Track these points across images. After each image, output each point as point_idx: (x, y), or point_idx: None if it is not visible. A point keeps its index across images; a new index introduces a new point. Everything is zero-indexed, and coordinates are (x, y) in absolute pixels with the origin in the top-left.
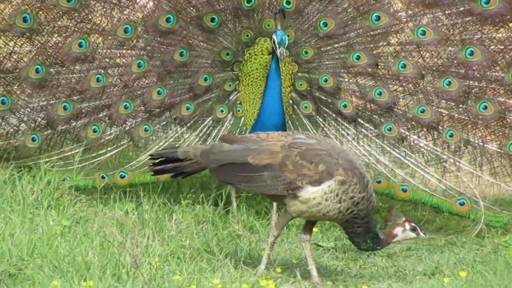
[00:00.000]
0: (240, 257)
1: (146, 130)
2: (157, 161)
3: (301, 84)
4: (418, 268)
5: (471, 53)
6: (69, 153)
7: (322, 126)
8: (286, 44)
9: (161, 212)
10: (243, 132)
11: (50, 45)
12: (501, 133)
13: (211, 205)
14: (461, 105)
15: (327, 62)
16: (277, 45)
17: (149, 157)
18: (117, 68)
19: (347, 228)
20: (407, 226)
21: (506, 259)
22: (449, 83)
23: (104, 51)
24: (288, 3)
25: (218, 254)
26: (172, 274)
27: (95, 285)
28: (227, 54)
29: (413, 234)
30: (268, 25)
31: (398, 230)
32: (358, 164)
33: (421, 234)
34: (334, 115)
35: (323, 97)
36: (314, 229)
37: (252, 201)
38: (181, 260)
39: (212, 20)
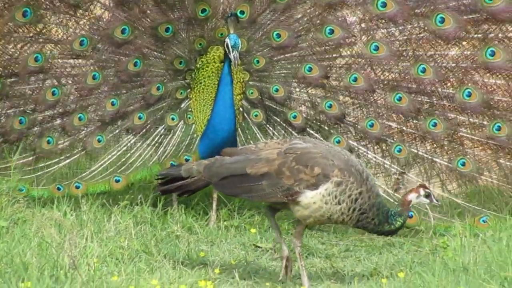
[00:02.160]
0: (178, 258)
1: (99, 141)
2: (163, 181)
3: (252, 93)
4: (357, 269)
5: (423, 70)
6: (20, 162)
7: (272, 135)
8: (240, 47)
9: (99, 213)
10: (193, 139)
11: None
12: (450, 149)
13: (150, 206)
14: (411, 120)
15: (278, 72)
16: (230, 49)
17: (155, 178)
18: (72, 78)
19: (366, 228)
20: (421, 192)
21: (444, 260)
22: (400, 99)
23: (60, 61)
24: (242, 12)
25: (156, 255)
26: (111, 275)
27: (33, 286)
28: (180, 63)
29: (426, 200)
30: (221, 34)
31: (412, 196)
32: (354, 162)
33: (434, 201)
34: (284, 125)
35: (273, 106)
36: (253, 230)
37: (191, 202)
38: (119, 261)
39: (167, 29)
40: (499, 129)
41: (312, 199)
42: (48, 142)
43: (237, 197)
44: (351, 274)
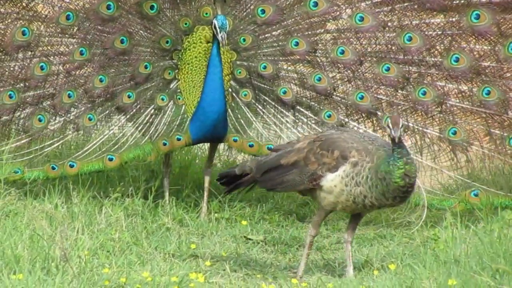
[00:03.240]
0: (169, 250)
1: (90, 119)
2: (223, 181)
3: (240, 72)
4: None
5: (410, 39)
6: (15, 145)
7: (262, 114)
8: (227, 28)
9: (90, 205)
10: (184, 119)
11: None
12: (440, 118)
13: (141, 198)
14: (400, 91)
15: (265, 50)
16: (218, 30)
17: (216, 179)
18: (59, 57)
19: (393, 199)
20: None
21: (435, 252)
22: (388, 69)
23: (47, 39)
24: None
25: (147, 247)
26: (102, 267)
27: (24, 278)
28: (167, 42)
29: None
30: (206, 13)
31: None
32: (375, 146)
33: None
34: (273, 103)
35: (262, 85)
36: (244, 222)
37: (181, 194)
38: (110, 253)
39: (152, 7)
40: (488, 93)
41: (332, 182)
42: (40, 120)
43: (275, 191)
44: (342, 266)
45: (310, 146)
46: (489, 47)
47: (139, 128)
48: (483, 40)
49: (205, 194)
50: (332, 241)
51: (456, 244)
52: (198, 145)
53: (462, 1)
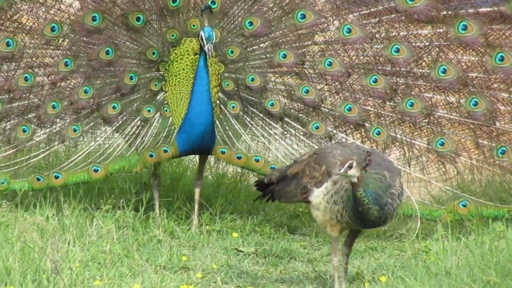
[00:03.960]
0: (160, 262)
1: (74, 131)
2: (258, 188)
3: (228, 84)
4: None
5: (397, 50)
6: (1, 155)
7: (250, 125)
8: (214, 40)
9: (81, 217)
10: (171, 131)
11: None
12: (428, 130)
13: (132, 210)
14: (388, 103)
15: (253, 62)
16: (205, 41)
17: (253, 184)
18: (44, 69)
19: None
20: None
21: (427, 264)
22: (376, 81)
23: (31, 51)
24: (213, 3)
25: (138, 259)
26: (93, 279)
27: None
28: (153, 54)
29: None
30: (193, 25)
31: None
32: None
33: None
34: (261, 115)
35: (250, 97)
36: (235, 234)
37: (172, 206)
38: (101, 265)
39: (138, 19)
40: (476, 104)
41: (317, 198)
42: (24, 131)
43: (280, 202)
44: (333, 279)
45: (308, 159)
46: (477, 58)
47: (125, 139)
48: (471, 51)
49: (196, 206)
50: (323, 253)
51: (447, 256)
52: (189, 157)
53: (450, 12)
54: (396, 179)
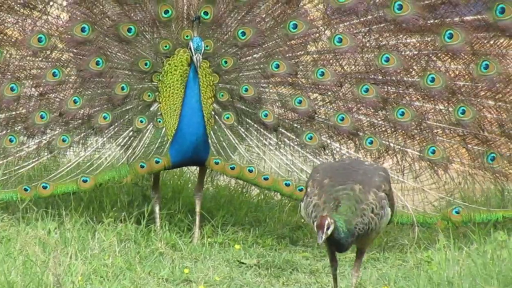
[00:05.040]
0: (162, 275)
1: (64, 141)
2: None
3: (222, 95)
4: (341, 284)
5: (387, 60)
6: None
7: (244, 136)
8: (203, 50)
9: (83, 230)
10: (164, 142)
11: None
12: (421, 138)
13: (134, 223)
14: (380, 112)
15: (247, 72)
16: (193, 52)
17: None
18: (31, 81)
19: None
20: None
21: (429, 274)
22: (367, 90)
23: (17, 62)
24: (205, 13)
25: (140, 272)
26: None
27: None
28: (145, 64)
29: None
30: (187, 36)
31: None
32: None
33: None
34: (255, 125)
35: (244, 108)
36: (237, 246)
37: (174, 219)
38: (104, 278)
39: (129, 30)
40: (463, 112)
41: (301, 212)
42: (11, 141)
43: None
44: None
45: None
46: (463, 66)
47: (116, 150)
48: (458, 59)
49: (197, 218)
50: (326, 264)
51: (449, 266)
52: (191, 169)
53: (436, 21)
54: (370, 191)
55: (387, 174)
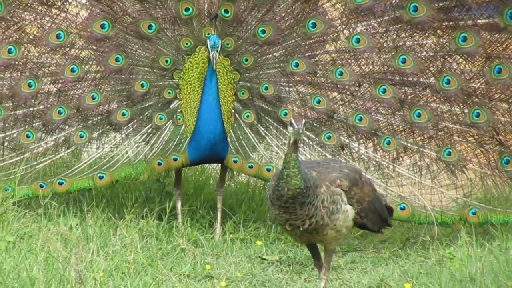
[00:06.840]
0: (184, 271)
1: (81, 137)
2: None
3: (243, 93)
4: (363, 280)
5: (404, 61)
6: (8, 162)
7: (264, 135)
8: (219, 48)
9: (105, 227)
10: (183, 139)
11: None
12: (438, 139)
13: (155, 219)
14: (397, 112)
15: (267, 71)
16: (210, 49)
17: None
18: (49, 77)
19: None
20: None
21: (451, 270)
22: (384, 91)
23: (35, 59)
24: (226, 11)
25: (162, 268)
26: None
27: None
28: (166, 62)
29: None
30: (208, 34)
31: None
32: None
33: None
34: (275, 124)
35: (264, 106)
36: (258, 243)
37: (196, 215)
38: (125, 274)
39: (150, 27)
40: (478, 115)
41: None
42: (28, 137)
43: None
44: (358, 286)
45: None
46: (478, 69)
47: (134, 147)
48: (472, 62)
49: (219, 214)
50: (347, 261)
51: (471, 263)
52: (213, 166)
53: (451, 23)
54: (322, 184)
55: (356, 174)
